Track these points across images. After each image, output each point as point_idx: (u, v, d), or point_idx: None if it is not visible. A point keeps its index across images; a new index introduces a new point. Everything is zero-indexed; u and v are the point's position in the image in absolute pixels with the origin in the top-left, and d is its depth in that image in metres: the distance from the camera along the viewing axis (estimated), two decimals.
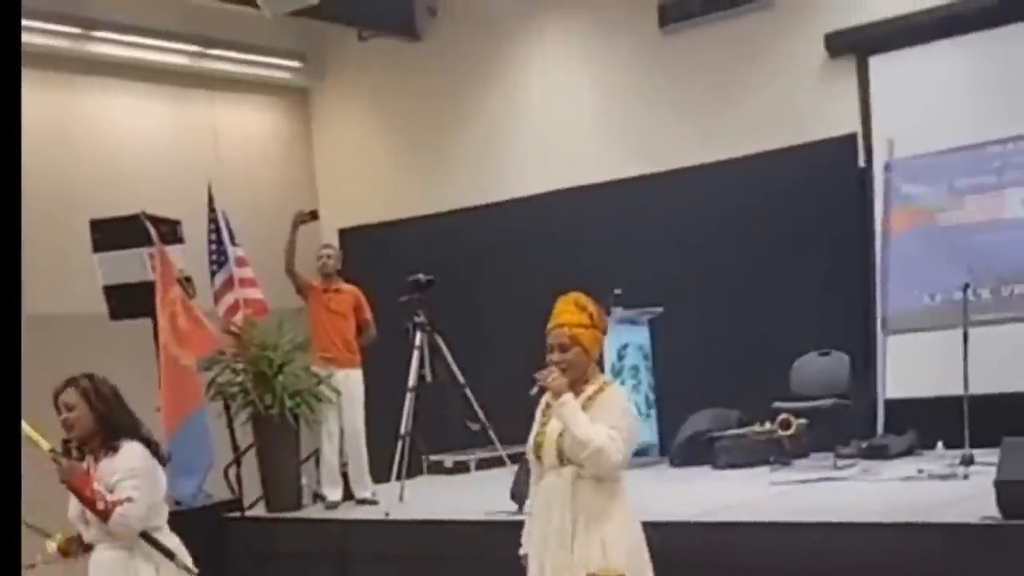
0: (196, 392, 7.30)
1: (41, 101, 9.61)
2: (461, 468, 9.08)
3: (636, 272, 8.58)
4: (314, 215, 8.05)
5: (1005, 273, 7.61)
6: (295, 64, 11.31)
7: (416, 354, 7.86)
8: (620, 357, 8.27)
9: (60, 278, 8.93)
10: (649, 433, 8.44)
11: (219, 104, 10.93)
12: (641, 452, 8.02)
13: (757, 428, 7.80)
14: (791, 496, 6.60)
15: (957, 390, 6.91)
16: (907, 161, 8.18)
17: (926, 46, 8.29)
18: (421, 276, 8.05)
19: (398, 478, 7.49)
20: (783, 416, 7.41)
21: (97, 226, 7.67)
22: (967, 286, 7.24)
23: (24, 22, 9.09)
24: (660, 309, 8.41)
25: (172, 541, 3.97)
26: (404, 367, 7.84)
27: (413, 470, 8.12)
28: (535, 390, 3.77)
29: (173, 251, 7.48)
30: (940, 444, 7.38)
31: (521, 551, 3.87)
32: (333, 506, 7.57)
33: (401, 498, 7.45)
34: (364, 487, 7.64)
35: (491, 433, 8.05)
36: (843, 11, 8.60)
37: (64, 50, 9.59)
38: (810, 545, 5.42)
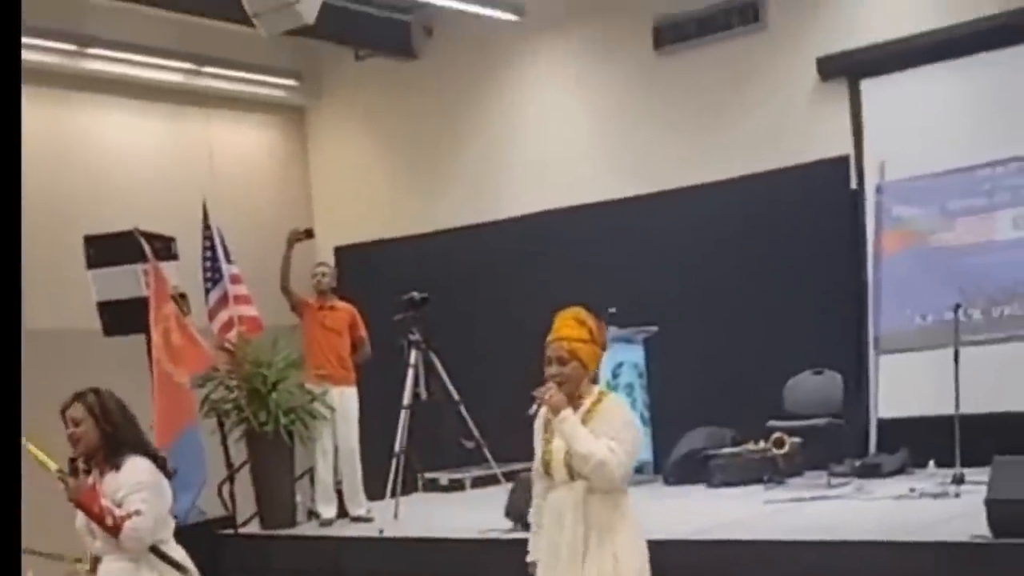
0: (190, 409, 7.29)
1: (37, 117, 9.63)
2: (456, 486, 9.08)
3: (631, 291, 8.62)
4: (309, 233, 8.07)
5: (996, 294, 7.69)
6: (291, 83, 11.35)
7: (411, 372, 7.87)
8: (615, 375, 8.30)
9: (54, 294, 8.93)
10: (644, 451, 8.45)
11: (215, 122, 10.96)
12: (636, 470, 8.00)
13: (751, 446, 7.83)
14: (785, 514, 6.63)
15: (949, 410, 6.97)
16: (899, 183, 8.25)
17: (917, 70, 8.37)
18: (416, 294, 8.07)
19: (393, 496, 7.48)
20: (777, 435, 7.45)
21: (91, 242, 7.68)
22: (958, 307, 7.32)
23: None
24: (655, 328, 8.44)
25: (178, 553, 3.99)
26: (399, 385, 7.85)
27: (408, 488, 8.11)
28: (534, 407, 3.79)
29: (167, 268, 7.49)
30: (932, 463, 7.44)
31: (528, 558, 3.88)
32: (327, 523, 7.56)
33: (396, 516, 7.45)
34: (359, 504, 7.63)
35: (486, 451, 8.06)
36: (835, 35, 8.68)
37: (60, 66, 9.62)
38: (804, 563, 5.44)
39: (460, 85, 10.58)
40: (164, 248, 7.61)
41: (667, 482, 8.14)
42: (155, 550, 3.88)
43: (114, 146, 10.16)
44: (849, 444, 7.68)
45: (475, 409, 8.10)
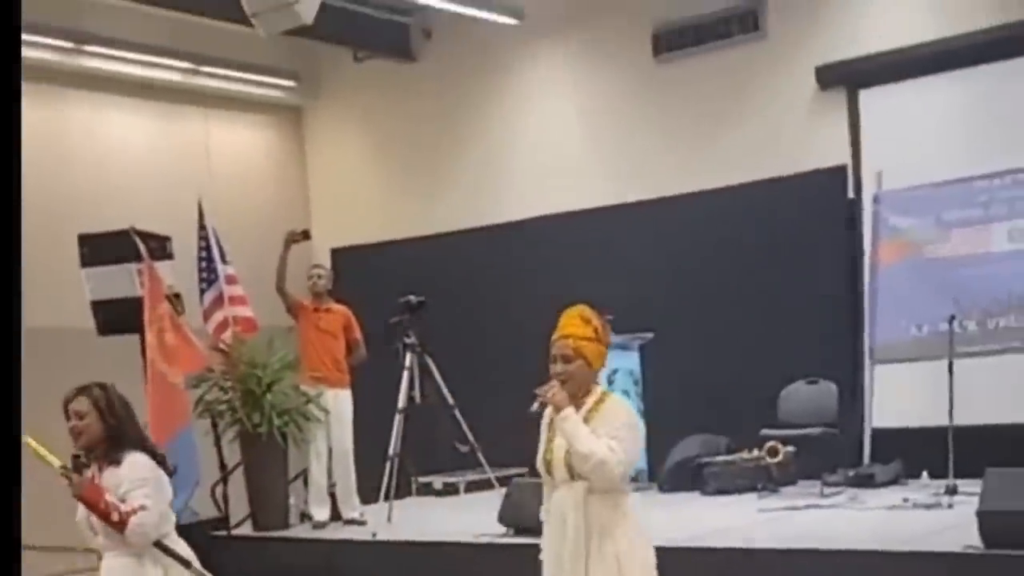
0: (184, 409, 7.27)
1: (33, 115, 9.59)
2: (450, 490, 9.06)
3: (626, 298, 8.61)
4: (306, 235, 8.07)
5: (991, 306, 7.70)
6: (289, 83, 11.33)
7: (406, 375, 7.88)
8: (610, 382, 8.28)
9: (49, 292, 8.89)
10: (639, 458, 8.46)
11: (212, 121, 10.94)
12: (630, 478, 8.04)
13: (745, 455, 7.84)
14: (778, 523, 6.64)
15: (943, 421, 6.98)
16: (895, 193, 8.27)
17: (915, 80, 8.40)
18: (412, 297, 8.07)
19: (386, 499, 7.49)
20: (771, 443, 7.46)
21: (86, 241, 7.65)
22: (953, 318, 7.33)
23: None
24: (650, 335, 8.44)
25: (180, 547, 3.98)
26: (394, 388, 7.85)
27: (402, 491, 8.12)
28: (536, 405, 3.77)
29: (162, 267, 7.46)
30: (925, 474, 7.47)
31: (540, 556, 3.87)
32: (320, 526, 7.55)
33: (389, 519, 7.45)
34: (352, 507, 7.62)
35: (480, 455, 8.07)
36: (834, 44, 8.70)
37: (57, 64, 9.59)
38: (797, 572, 5.46)
39: (458, 88, 10.58)
40: (159, 248, 7.59)
41: (661, 489, 8.14)
42: (159, 544, 3.88)
43: (111, 144, 10.13)
44: (843, 454, 7.69)
45: (470, 413, 8.10)
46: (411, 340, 7.95)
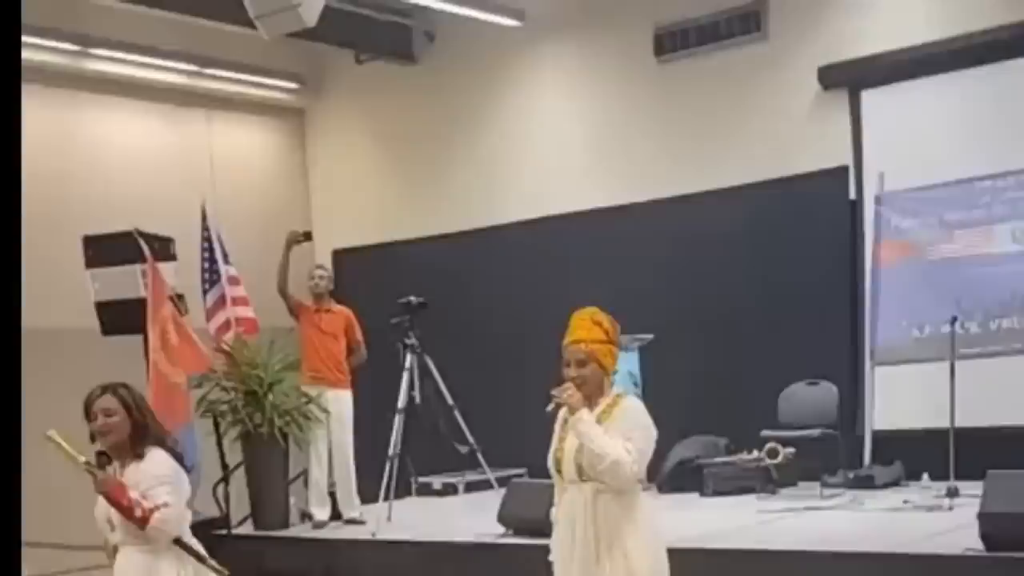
0: (185, 409, 7.30)
1: (38, 117, 9.64)
2: (449, 490, 9.09)
3: (626, 299, 8.55)
4: (308, 236, 8.10)
5: (993, 307, 7.69)
6: (292, 85, 11.37)
7: (406, 375, 7.89)
8: (610, 384, 8.29)
9: (53, 293, 8.94)
10: None
11: (215, 123, 10.98)
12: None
13: (745, 456, 7.83)
14: (778, 524, 6.64)
15: (944, 422, 6.97)
16: (898, 194, 8.26)
17: (918, 81, 8.38)
18: (412, 298, 8.08)
19: (386, 499, 7.50)
20: (771, 445, 7.45)
21: (90, 242, 7.69)
22: (955, 319, 7.31)
23: (24, 38, 9.15)
24: (650, 336, 8.44)
25: (194, 544, 4.01)
26: (394, 388, 7.86)
27: (401, 491, 8.13)
28: (551, 406, 3.82)
29: (165, 268, 7.49)
30: (926, 476, 7.45)
31: (550, 557, 3.91)
32: (320, 525, 7.58)
33: (389, 518, 7.46)
34: (352, 507, 7.64)
35: (479, 456, 8.08)
36: (837, 45, 8.68)
37: (62, 66, 9.65)
38: (796, 573, 5.45)
39: (460, 90, 10.59)
40: (163, 249, 7.62)
41: (660, 490, 8.13)
42: (178, 541, 3.91)
43: (115, 146, 10.18)
44: (843, 455, 7.67)
45: (469, 414, 8.11)
46: (411, 341, 7.97)
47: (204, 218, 7.96)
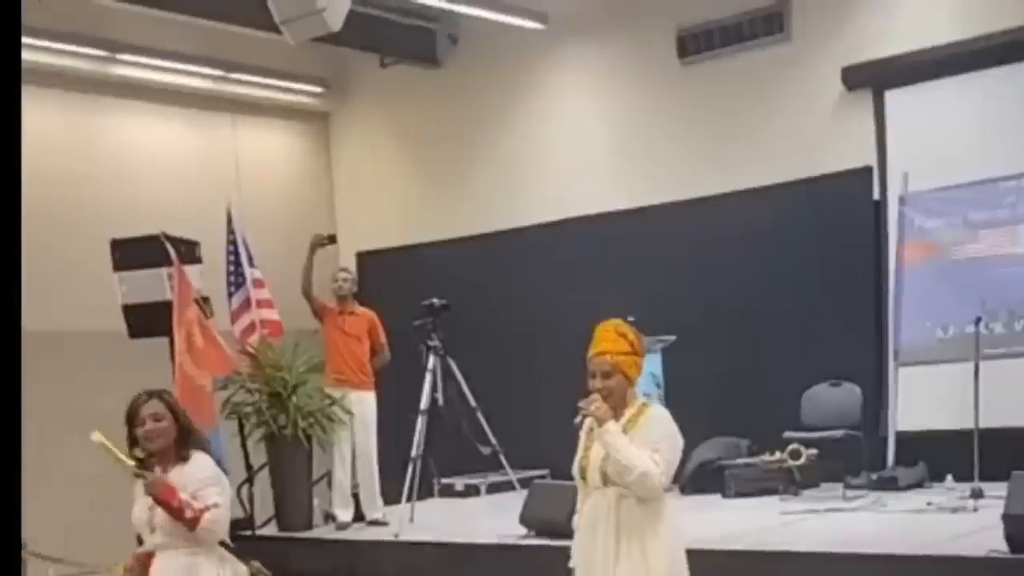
0: (211, 411, 7.35)
1: (66, 121, 9.77)
2: (471, 491, 9.11)
3: (649, 301, 8.62)
4: (332, 239, 8.16)
5: (1018, 307, 7.64)
6: (317, 89, 11.45)
7: (428, 377, 7.92)
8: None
9: (79, 296, 9.05)
10: None
11: (241, 127, 11.07)
12: None
13: (767, 457, 7.79)
14: (800, 526, 6.61)
15: (968, 423, 6.93)
16: (922, 195, 8.21)
17: (942, 81, 8.32)
18: (435, 300, 8.12)
19: (409, 500, 7.52)
20: (793, 446, 7.42)
21: (118, 245, 7.77)
22: (979, 320, 7.27)
23: (51, 44, 9.29)
24: (673, 338, 8.44)
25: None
26: (417, 390, 7.89)
27: (424, 492, 8.16)
28: (579, 419, 3.89)
29: (191, 271, 7.55)
30: (950, 477, 7.40)
31: (570, 563, 3.95)
32: (344, 527, 7.62)
33: (411, 520, 7.49)
34: (375, 508, 7.69)
35: (502, 457, 8.10)
36: (860, 45, 8.65)
37: (89, 72, 9.76)
38: (818, 575, 5.42)
39: (484, 93, 10.62)
40: (189, 252, 7.69)
41: (682, 492, 8.12)
42: (222, 543, 3.98)
43: (141, 151, 10.28)
44: (866, 457, 7.62)
45: (492, 415, 8.13)
46: (434, 343, 8.00)
47: (229, 221, 8.03)
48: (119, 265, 7.73)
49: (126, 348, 7.72)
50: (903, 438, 7.83)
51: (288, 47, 8.27)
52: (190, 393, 7.11)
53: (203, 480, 3.94)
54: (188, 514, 3.85)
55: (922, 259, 8.12)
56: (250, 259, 7.98)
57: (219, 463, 4.13)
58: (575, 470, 3.94)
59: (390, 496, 7.74)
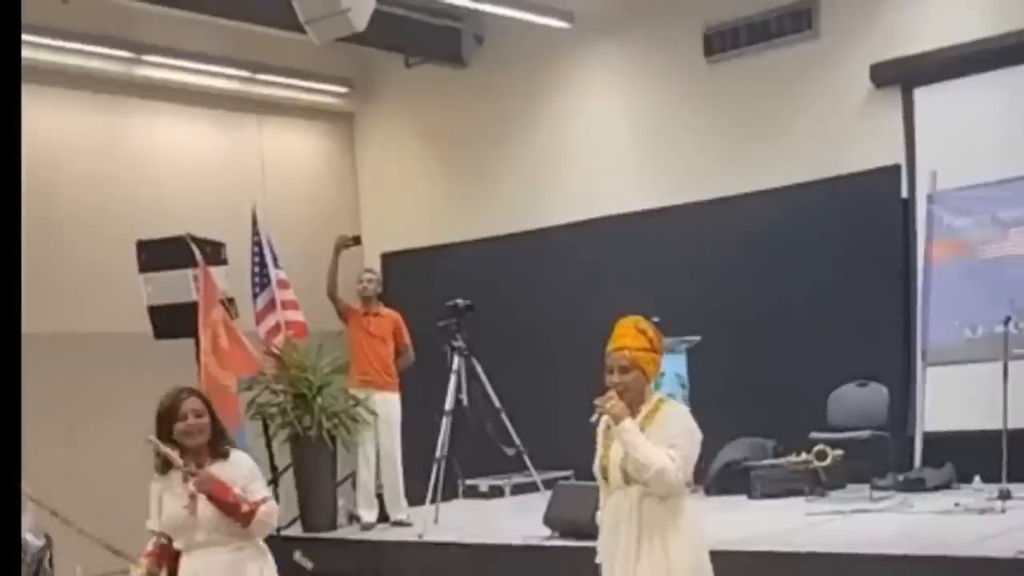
0: (235, 412, 7.37)
1: (92, 123, 9.84)
2: (496, 492, 9.11)
3: (674, 300, 8.57)
4: (357, 240, 8.17)
5: None
6: (342, 89, 11.47)
7: (453, 378, 7.93)
8: (657, 386, 8.23)
9: (104, 297, 9.10)
10: None
11: (266, 128, 11.11)
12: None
13: (793, 458, 7.75)
14: (826, 527, 6.57)
15: (996, 424, 6.87)
16: (950, 193, 8.13)
17: (971, 78, 8.24)
18: (460, 301, 8.12)
19: (433, 501, 7.53)
20: (819, 447, 7.38)
21: (144, 247, 7.79)
22: (1008, 319, 7.19)
23: (77, 46, 9.37)
24: (698, 338, 8.40)
25: None
26: (441, 391, 7.90)
27: (448, 493, 8.16)
28: (595, 416, 3.87)
29: (217, 272, 7.57)
30: (978, 478, 7.34)
31: (597, 559, 3.95)
32: (368, 527, 7.64)
33: (436, 520, 7.50)
34: (399, 509, 7.70)
35: (526, 458, 8.09)
36: (889, 42, 8.57)
37: (115, 73, 9.82)
38: None
39: (510, 93, 10.61)
40: (214, 253, 7.71)
41: (707, 493, 8.09)
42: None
43: (167, 151, 10.33)
44: (893, 458, 7.56)
45: (516, 416, 8.12)
46: (459, 343, 8.00)
47: (255, 222, 8.07)
48: (145, 266, 7.76)
49: (151, 349, 7.76)
50: (930, 439, 7.76)
51: (313, 47, 8.30)
52: (215, 394, 7.09)
53: (249, 475, 3.96)
54: (244, 508, 3.85)
55: (950, 258, 8.03)
56: (275, 260, 8.02)
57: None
58: (596, 470, 3.93)
59: (414, 497, 7.75)
